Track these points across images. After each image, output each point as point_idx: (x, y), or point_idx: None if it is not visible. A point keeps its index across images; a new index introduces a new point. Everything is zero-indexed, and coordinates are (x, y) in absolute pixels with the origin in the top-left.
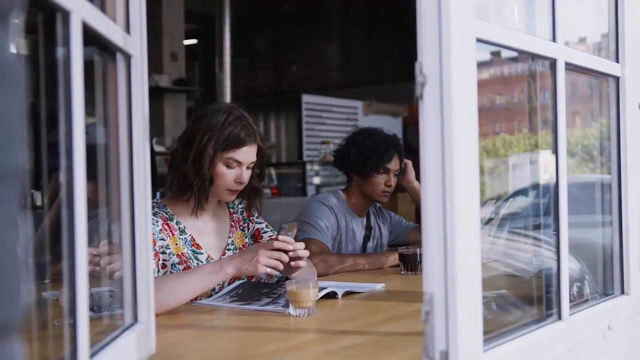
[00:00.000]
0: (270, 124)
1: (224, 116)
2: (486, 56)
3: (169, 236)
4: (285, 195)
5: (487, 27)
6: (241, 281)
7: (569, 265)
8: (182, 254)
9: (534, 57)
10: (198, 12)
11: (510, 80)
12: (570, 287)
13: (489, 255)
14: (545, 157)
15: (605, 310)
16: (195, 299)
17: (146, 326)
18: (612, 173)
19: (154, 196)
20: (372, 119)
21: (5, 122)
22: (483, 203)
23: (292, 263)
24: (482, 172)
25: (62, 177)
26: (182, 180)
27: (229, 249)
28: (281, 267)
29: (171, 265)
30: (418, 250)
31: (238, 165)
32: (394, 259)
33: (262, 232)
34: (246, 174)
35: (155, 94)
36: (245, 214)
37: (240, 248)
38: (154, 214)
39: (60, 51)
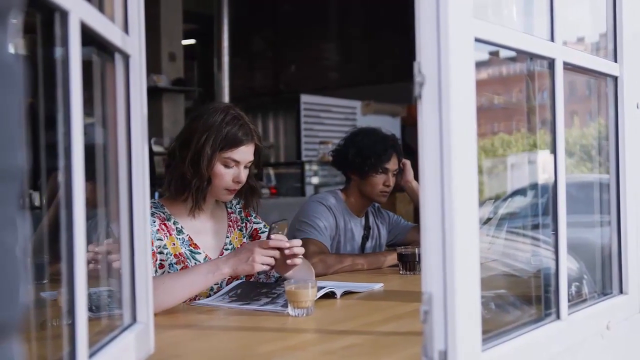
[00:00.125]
0: (269, 124)
1: (221, 116)
2: (485, 56)
3: (167, 236)
4: (284, 195)
5: (485, 27)
6: (239, 281)
7: (568, 265)
8: (179, 254)
9: (532, 56)
10: (196, 12)
11: (508, 80)
12: (569, 286)
13: (487, 255)
14: (543, 156)
15: (604, 310)
16: (194, 298)
17: (145, 326)
18: (611, 173)
19: (152, 196)
20: (370, 119)
21: (4, 122)
22: (481, 203)
23: (289, 261)
24: (480, 171)
25: (61, 177)
26: (179, 180)
27: (226, 249)
28: (274, 262)
29: (169, 265)
30: (417, 250)
31: (236, 165)
32: (392, 258)
33: (260, 232)
34: (244, 173)
35: (154, 94)
36: (243, 214)
37: (238, 248)
38: (151, 214)
39: (58, 51)
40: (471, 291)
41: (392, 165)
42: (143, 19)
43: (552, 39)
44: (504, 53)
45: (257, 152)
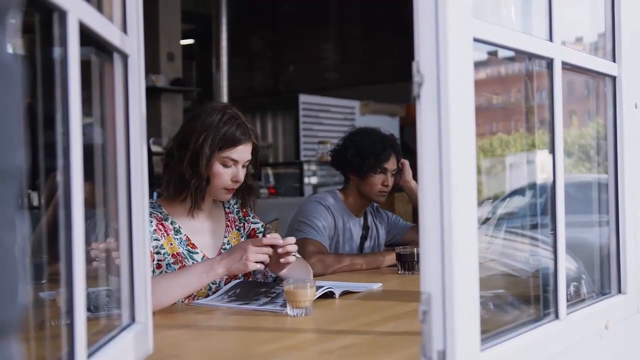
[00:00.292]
0: (268, 124)
1: (218, 116)
2: (483, 56)
3: (164, 236)
4: (283, 195)
5: (484, 27)
6: (238, 280)
7: (566, 265)
8: (177, 253)
9: (530, 56)
10: (195, 12)
11: (507, 80)
12: (567, 286)
13: (486, 254)
14: (542, 156)
15: (602, 310)
16: (193, 298)
17: (144, 326)
18: (609, 173)
19: (151, 196)
20: (369, 118)
21: (3, 122)
22: (480, 203)
23: (282, 260)
24: (479, 171)
25: (59, 177)
26: (178, 180)
27: (224, 249)
28: (268, 259)
29: (166, 265)
30: (415, 250)
31: (234, 164)
32: (391, 258)
33: (257, 232)
34: (242, 173)
35: (152, 94)
36: (241, 214)
37: (232, 247)
38: (148, 214)
39: (57, 51)
40: (470, 291)
41: (391, 165)
42: (142, 19)
43: (551, 39)
44: (502, 53)
45: (254, 151)
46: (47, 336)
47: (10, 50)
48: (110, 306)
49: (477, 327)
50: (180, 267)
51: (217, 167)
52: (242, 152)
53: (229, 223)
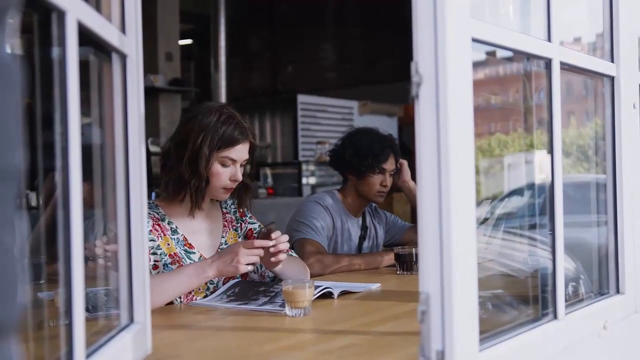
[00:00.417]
0: (266, 124)
1: (215, 116)
2: (481, 56)
3: (160, 236)
4: (281, 196)
5: (482, 27)
6: (237, 280)
7: (564, 265)
8: (174, 253)
9: (529, 57)
10: (193, 12)
11: (505, 80)
12: (566, 286)
13: (484, 255)
14: (540, 156)
15: (601, 310)
16: (192, 299)
17: (142, 326)
18: (607, 173)
19: (149, 197)
20: (367, 119)
21: (2, 122)
22: (478, 203)
23: (272, 259)
24: (477, 172)
25: (58, 177)
26: (177, 181)
27: (222, 249)
28: (259, 261)
29: (164, 265)
30: (414, 250)
31: (232, 164)
32: (389, 258)
33: (254, 232)
34: (240, 172)
35: (151, 94)
36: (238, 214)
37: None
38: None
39: (55, 51)
40: (468, 291)
41: (390, 165)
42: (140, 19)
43: (549, 39)
44: (500, 53)
45: (251, 150)
46: (45, 336)
47: (8, 50)
48: (108, 306)
49: (475, 327)
50: (177, 267)
51: (216, 167)
52: (240, 152)
53: (226, 223)
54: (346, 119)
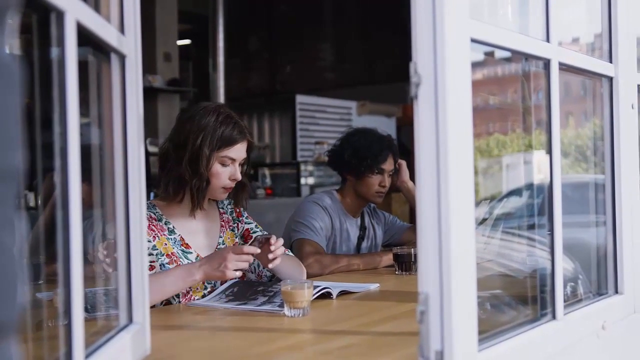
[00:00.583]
0: (264, 125)
1: (214, 116)
2: (480, 56)
3: (157, 237)
4: (279, 196)
5: (481, 28)
6: (235, 280)
7: (563, 265)
8: (171, 253)
9: (528, 57)
10: (192, 12)
11: (504, 81)
12: (564, 286)
13: (483, 255)
14: (538, 157)
15: (600, 310)
16: (190, 299)
17: (141, 327)
18: (606, 173)
19: (148, 197)
20: (366, 119)
21: (2, 122)
22: (477, 203)
23: (270, 265)
24: (476, 172)
25: (57, 177)
26: (177, 181)
27: (220, 249)
28: (247, 267)
29: (160, 265)
30: (412, 250)
31: (232, 163)
32: (388, 259)
33: (251, 232)
34: (239, 171)
35: (149, 94)
36: (234, 215)
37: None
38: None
39: (54, 51)
40: (467, 291)
41: (388, 165)
42: (139, 19)
43: (548, 40)
44: (499, 53)
45: (249, 149)
46: (44, 337)
47: (8, 50)
48: (106, 305)
49: (474, 327)
50: (180, 265)
51: (216, 167)
52: (239, 151)
53: (223, 223)
54: (345, 119)
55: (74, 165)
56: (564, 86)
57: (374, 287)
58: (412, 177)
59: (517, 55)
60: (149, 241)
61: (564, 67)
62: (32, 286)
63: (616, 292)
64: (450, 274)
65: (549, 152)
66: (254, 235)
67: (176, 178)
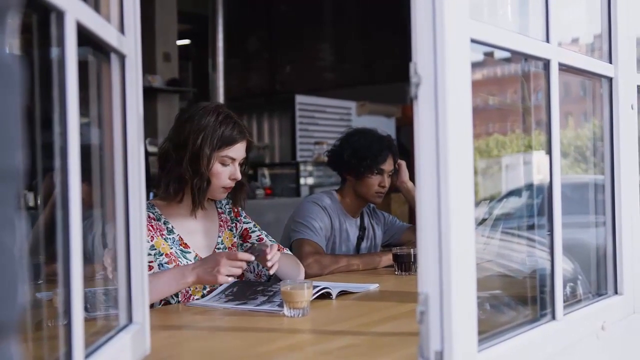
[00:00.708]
0: (264, 125)
1: (213, 116)
2: (480, 56)
3: (155, 236)
4: (279, 196)
5: (481, 28)
6: (234, 279)
7: (563, 266)
8: (170, 253)
9: (527, 57)
10: (191, 13)
11: (503, 81)
12: (564, 287)
13: (482, 255)
14: (538, 157)
15: (599, 310)
16: (189, 299)
17: (141, 327)
18: (606, 174)
19: (147, 197)
20: (365, 119)
21: (2, 122)
22: (477, 203)
23: (270, 271)
24: (475, 172)
25: (57, 177)
26: (177, 181)
27: (218, 248)
28: (240, 273)
29: (159, 265)
30: (412, 250)
31: (232, 162)
32: (387, 259)
33: (250, 231)
34: (239, 170)
35: (149, 94)
36: (232, 214)
37: (229, 248)
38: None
39: (54, 51)
40: (467, 291)
41: (388, 166)
42: (139, 19)
43: (548, 40)
44: (498, 54)
45: (248, 149)
46: (44, 337)
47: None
48: (105, 305)
49: (474, 327)
50: (174, 267)
51: (217, 167)
52: (239, 150)
53: (222, 223)
54: (344, 119)
55: (74, 165)
56: (564, 87)
57: (373, 287)
58: (412, 178)
59: (517, 56)
60: (147, 241)
61: (564, 68)
62: (32, 286)
63: (616, 292)
64: (450, 274)
65: (549, 152)
66: (252, 235)
67: (177, 178)
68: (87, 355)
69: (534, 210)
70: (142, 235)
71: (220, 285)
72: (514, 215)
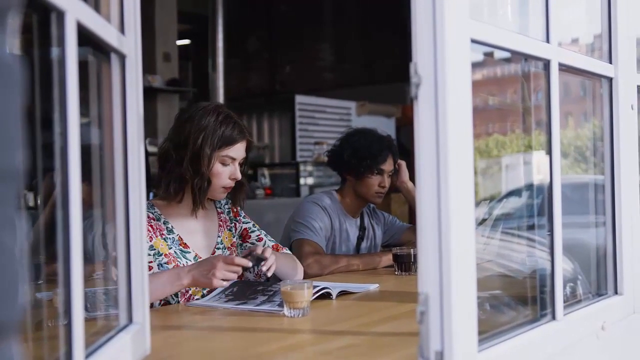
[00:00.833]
0: (264, 125)
1: (213, 116)
2: (480, 57)
3: (154, 237)
4: (279, 196)
5: (481, 28)
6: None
7: (563, 266)
8: (169, 253)
9: (527, 57)
10: (191, 13)
11: (503, 81)
12: (564, 287)
13: (482, 255)
14: (538, 157)
15: (599, 311)
16: (189, 299)
17: (141, 327)
18: (606, 174)
19: (147, 197)
20: (365, 119)
21: (3, 122)
22: (477, 203)
23: (268, 273)
24: (475, 172)
25: (57, 177)
26: (177, 181)
27: (218, 248)
28: (235, 278)
29: (159, 265)
30: (412, 250)
31: (232, 162)
32: (387, 259)
33: (249, 231)
34: (239, 170)
35: (148, 94)
36: (231, 214)
37: (228, 247)
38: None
39: (55, 51)
40: (467, 292)
41: (388, 166)
42: (139, 19)
43: (548, 40)
44: (498, 54)
45: (247, 149)
46: (44, 337)
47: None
48: (105, 305)
49: (474, 327)
50: (174, 267)
51: (217, 167)
52: (239, 150)
53: (221, 223)
54: (344, 119)
55: (74, 165)
56: (564, 87)
57: (373, 287)
58: (412, 178)
59: (517, 56)
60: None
61: (564, 68)
62: (33, 286)
63: (616, 292)
64: (450, 274)
65: (549, 152)
66: (252, 235)
67: (177, 178)
68: (88, 355)
69: (534, 210)
70: (142, 235)
71: (216, 289)
72: (514, 216)
